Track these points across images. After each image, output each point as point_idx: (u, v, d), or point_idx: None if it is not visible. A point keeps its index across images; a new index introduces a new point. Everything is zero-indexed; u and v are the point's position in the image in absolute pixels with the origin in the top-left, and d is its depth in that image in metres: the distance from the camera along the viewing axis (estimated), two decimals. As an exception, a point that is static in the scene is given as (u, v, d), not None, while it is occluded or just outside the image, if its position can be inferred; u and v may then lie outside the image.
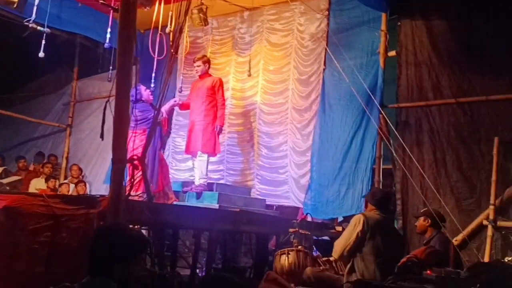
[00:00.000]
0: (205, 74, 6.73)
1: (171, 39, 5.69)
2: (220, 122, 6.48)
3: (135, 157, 3.43)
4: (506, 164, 5.65)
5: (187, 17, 6.90)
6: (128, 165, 3.84)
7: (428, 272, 2.14)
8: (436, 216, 4.67)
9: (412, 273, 2.56)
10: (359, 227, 3.81)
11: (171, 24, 5.96)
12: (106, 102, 3.42)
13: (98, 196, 3.68)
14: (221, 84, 6.65)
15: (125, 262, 2.28)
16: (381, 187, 6.52)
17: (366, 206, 4.12)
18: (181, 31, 3.85)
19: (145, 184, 3.59)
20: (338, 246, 3.83)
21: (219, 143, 6.74)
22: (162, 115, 6.05)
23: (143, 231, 4.30)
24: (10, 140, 10.01)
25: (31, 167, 9.05)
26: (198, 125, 6.55)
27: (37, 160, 9.20)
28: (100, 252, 2.27)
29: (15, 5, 6.31)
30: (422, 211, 4.95)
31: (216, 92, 6.57)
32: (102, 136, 3.70)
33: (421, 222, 4.71)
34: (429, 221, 4.62)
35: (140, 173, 5.63)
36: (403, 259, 3.31)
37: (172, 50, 3.87)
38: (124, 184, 3.44)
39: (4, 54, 8.79)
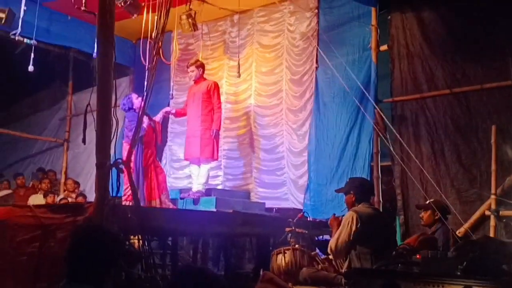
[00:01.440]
0: (199, 79, 6.65)
1: (157, 45, 5.63)
2: (216, 126, 6.40)
3: (119, 161, 3.37)
4: (505, 153, 5.55)
5: (177, 24, 6.99)
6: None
7: (418, 256, 2.07)
8: (442, 208, 4.57)
9: (403, 259, 2.47)
10: (353, 226, 3.70)
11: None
12: (87, 106, 3.36)
13: (85, 203, 3.62)
14: (216, 87, 6.57)
15: (104, 267, 2.20)
16: (380, 184, 6.44)
17: (350, 202, 3.97)
18: (163, 32, 3.78)
19: (132, 188, 3.52)
20: (333, 245, 3.73)
21: (218, 148, 6.66)
22: (145, 129, 5.97)
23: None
24: (9, 158, 10.00)
25: (30, 184, 9.01)
26: (196, 131, 6.47)
27: (36, 176, 9.16)
28: (79, 258, 2.19)
29: (3, 21, 6.31)
30: (428, 202, 4.80)
31: (211, 95, 6.50)
32: (84, 141, 3.65)
33: (428, 214, 4.57)
34: (438, 214, 4.48)
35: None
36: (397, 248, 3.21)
37: (154, 54, 3.78)
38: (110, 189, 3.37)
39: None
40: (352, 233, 3.61)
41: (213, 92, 6.47)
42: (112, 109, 3.29)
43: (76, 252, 2.22)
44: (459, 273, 1.62)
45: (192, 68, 6.60)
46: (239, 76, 7.08)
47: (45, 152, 9.74)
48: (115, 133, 3.23)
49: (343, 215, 3.97)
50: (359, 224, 3.62)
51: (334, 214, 4.21)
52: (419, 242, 3.28)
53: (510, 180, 5.47)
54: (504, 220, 5.35)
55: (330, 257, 4.31)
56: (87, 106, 3.36)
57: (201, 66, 6.63)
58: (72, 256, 2.22)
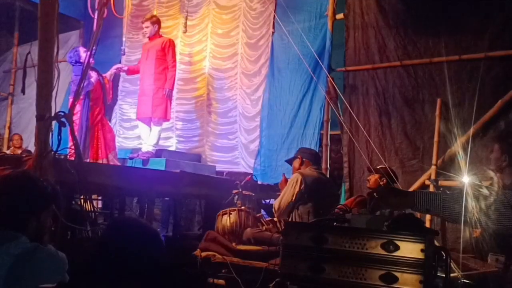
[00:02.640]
0: (155, 36, 6.43)
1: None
2: (169, 85, 6.24)
3: (60, 113, 3.26)
4: (447, 126, 5.77)
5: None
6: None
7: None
8: (390, 175, 4.72)
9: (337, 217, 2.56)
10: (297, 187, 3.80)
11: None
12: (27, 54, 3.21)
13: (24, 155, 3.50)
14: (171, 44, 6.37)
15: (34, 215, 2.14)
16: (329, 152, 6.58)
17: (297, 166, 4.07)
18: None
19: (74, 142, 3.43)
20: (276, 205, 3.81)
21: (170, 108, 6.55)
22: (93, 84, 5.80)
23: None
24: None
25: (-29, 138, 8.64)
26: (148, 90, 6.32)
27: (-23, 130, 8.77)
28: (7, 205, 2.12)
29: None
30: (379, 167, 4.95)
31: (166, 53, 6.30)
32: (23, 91, 3.51)
33: (375, 178, 4.71)
34: (385, 180, 4.63)
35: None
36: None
37: (97, 7, 3.63)
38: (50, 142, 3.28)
39: None
40: (295, 193, 3.70)
41: (168, 49, 6.28)
42: (54, 58, 3.16)
43: (2, 197, 2.15)
44: (384, 228, 1.69)
45: (147, 23, 6.39)
46: (185, 31, 6.93)
47: (-12, 105, 9.30)
48: (56, 84, 3.11)
49: None
50: (302, 185, 3.71)
51: (284, 174, 4.30)
52: (356, 203, 3.40)
53: (450, 152, 5.71)
54: (441, 189, 5.60)
55: (275, 219, 4.41)
56: (27, 54, 3.21)
57: (156, 22, 6.43)
58: (2, 205, 2.15)
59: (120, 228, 1.72)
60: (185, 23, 6.89)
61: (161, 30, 6.79)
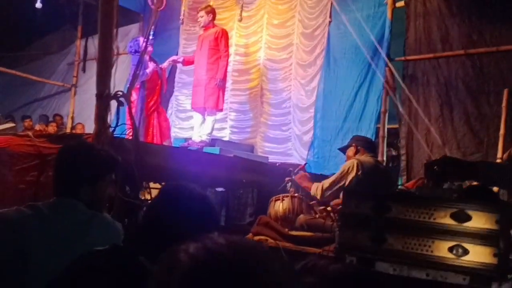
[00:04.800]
0: (209, 25, 6.46)
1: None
2: (221, 75, 6.24)
3: (119, 92, 3.32)
4: (515, 118, 5.44)
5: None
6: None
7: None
8: None
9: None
10: (353, 173, 3.68)
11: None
12: (87, 38, 3.28)
13: (83, 134, 3.59)
14: (224, 34, 6.38)
15: (92, 183, 2.15)
16: (385, 144, 6.37)
17: (352, 154, 3.95)
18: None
19: (132, 122, 3.49)
20: (325, 187, 3.71)
21: (223, 98, 6.56)
22: (147, 74, 5.89)
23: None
24: (17, 101, 10.00)
25: (37, 127, 9.04)
26: (202, 80, 6.36)
27: (42, 119, 9.18)
28: (65, 173, 2.15)
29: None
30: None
31: (219, 43, 6.32)
32: (83, 69, 3.60)
33: None
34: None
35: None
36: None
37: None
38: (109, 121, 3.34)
39: (8, 14, 8.70)
40: (351, 179, 3.58)
41: (221, 39, 6.29)
42: (114, 39, 3.22)
43: (60, 166, 2.18)
44: (453, 197, 1.57)
45: (202, 13, 6.44)
46: (240, 20, 6.91)
47: (52, 96, 9.72)
48: (116, 62, 3.17)
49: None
50: (359, 172, 3.58)
51: (304, 168, 4.24)
52: (417, 185, 3.24)
53: (517, 145, 5.37)
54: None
55: (328, 208, 4.30)
56: (87, 38, 3.29)
57: (211, 12, 6.46)
58: (57, 171, 2.19)
59: (171, 194, 1.68)
60: (241, 12, 6.88)
61: (217, 22, 6.84)
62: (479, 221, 1.45)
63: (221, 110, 6.63)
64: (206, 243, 0.64)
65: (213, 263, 0.61)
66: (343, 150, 4.30)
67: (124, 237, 2.21)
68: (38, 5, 6.09)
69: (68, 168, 2.15)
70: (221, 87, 6.35)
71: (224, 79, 6.37)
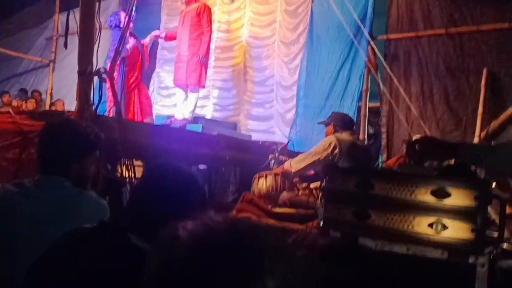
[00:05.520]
0: (191, 1, 6.35)
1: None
2: (203, 51, 6.17)
3: (102, 69, 3.28)
4: (493, 96, 5.54)
5: None
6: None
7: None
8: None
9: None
10: (330, 149, 3.74)
11: None
12: (69, 11, 3.23)
13: (65, 111, 3.56)
14: (206, 9, 6.27)
15: (78, 161, 2.15)
16: (367, 123, 6.45)
17: (330, 131, 4.00)
18: None
19: (114, 98, 3.46)
20: (301, 161, 3.77)
21: (205, 75, 6.51)
22: (128, 50, 5.81)
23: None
24: (-7, 76, 9.77)
25: (14, 103, 8.87)
26: (184, 56, 6.29)
27: (20, 96, 9.01)
28: (51, 150, 2.13)
29: None
30: (415, 137, 4.85)
31: (201, 18, 6.22)
32: (65, 45, 3.55)
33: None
34: None
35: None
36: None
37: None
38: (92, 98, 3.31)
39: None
40: (326, 155, 3.64)
41: (203, 15, 6.19)
42: (96, 14, 3.17)
43: (45, 143, 2.17)
44: (434, 174, 1.62)
45: None
46: (232, 1, 6.84)
47: (30, 72, 9.51)
48: (98, 38, 3.12)
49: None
50: (337, 149, 3.64)
51: (286, 146, 4.30)
52: (399, 163, 3.31)
53: (495, 124, 5.50)
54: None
55: (311, 185, 4.37)
56: (68, 12, 3.23)
57: None
58: (42, 148, 2.18)
59: (158, 172, 1.65)
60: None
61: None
62: (458, 198, 1.51)
63: (204, 86, 6.59)
64: (205, 221, 0.67)
65: (212, 240, 0.64)
66: (323, 123, 4.36)
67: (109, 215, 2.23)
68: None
69: (53, 146, 2.14)
70: (204, 63, 6.29)
71: (206, 55, 6.31)
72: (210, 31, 6.35)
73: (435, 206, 1.52)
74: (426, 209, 1.53)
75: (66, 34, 3.43)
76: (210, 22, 6.33)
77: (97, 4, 3.14)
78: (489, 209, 1.62)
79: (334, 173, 1.66)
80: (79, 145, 2.14)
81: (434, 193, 1.51)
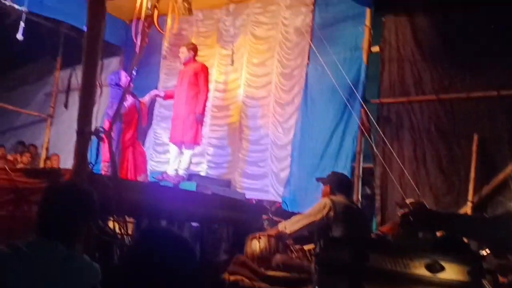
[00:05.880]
0: (189, 61, 6.49)
1: (146, 25, 5.54)
2: (199, 109, 6.26)
3: (100, 128, 3.34)
4: (484, 161, 5.63)
5: (171, 7, 6.96)
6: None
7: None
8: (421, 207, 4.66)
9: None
10: (324, 211, 3.75)
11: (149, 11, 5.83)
12: (71, 72, 3.32)
13: (61, 169, 3.58)
14: (203, 69, 6.42)
15: (76, 225, 2.18)
16: (360, 184, 6.48)
17: (326, 193, 4.01)
18: (154, 10, 3.74)
19: (111, 157, 3.49)
20: (295, 223, 3.76)
21: (201, 133, 6.57)
22: (125, 108, 5.92)
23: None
24: (-10, 129, 9.85)
25: (10, 156, 8.87)
26: (180, 114, 6.35)
27: (16, 149, 9.03)
28: (52, 215, 2.16)
29: (-5, -11, 6.20)
30: (408, 201, 4.91)
31: (198, 78, 6.35)
32: (66, 105, 3.63)
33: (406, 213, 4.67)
34: None
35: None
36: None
37: (145, 27, 3.75)
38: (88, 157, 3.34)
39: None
40: (320, 217, 3.65)
41: (200, 74, 6.32)
42: (98, 77, 3.26)
43: (48, 207, 2.20)
44: (428, 247, 1.64)
45: (183, 49, 6.49)
46: (232, 64, 7.04)
47: (28, 126, 9.60)
48: (98, 101, 3.19)
49: None
50: (331, 212, 3.65)
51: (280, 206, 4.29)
52: (392, 229, 3.31)
53: (487, 189, 5.55)
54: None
55: (305, 247, 4.33)
56: (70, 75, 3.33)
57: (192, 49, 6.52)
58: (44, 211, 2.20)
59: (151, 238, 1.63)
60: (232, 56, 7.00)
61: (197, 58, 6.92)
62: (451, 272, 1.52)
63: (199, 144, 6.64)
64: None
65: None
66: (320, 180, 4.37)
67: (101, 277, 2.22)
68: (20, 37, 6.09)
69: (56, 212, 2.18)
70: (200, 121, 6.36)
71: (202, 113, 6.39)
72: (207, 91, 6.47)
73: (430, 280, 1.53)
74: (421, 283, 1.54)
75: (67, 95, 3.51)
76: (207, 81, 6.47)
77: (99, 68, 3.24)
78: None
79: (328, 243, 1.67)
80: (81, 213, 2.20)
81: (428, 267, 1.53)
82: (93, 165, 3.30)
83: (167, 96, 6.87)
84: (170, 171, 6.35)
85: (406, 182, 5.98)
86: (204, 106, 6.41)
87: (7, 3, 5.82)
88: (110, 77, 6.16)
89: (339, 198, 3.85)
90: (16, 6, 5.93)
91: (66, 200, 2.19)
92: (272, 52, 7.33)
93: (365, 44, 6.52)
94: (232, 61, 7.04)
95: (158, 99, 7.51)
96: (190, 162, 6.51)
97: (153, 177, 6.39)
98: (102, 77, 7.10)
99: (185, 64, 6.58)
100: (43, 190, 3.52)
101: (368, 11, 6.54)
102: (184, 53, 6.48)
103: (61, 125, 9.20)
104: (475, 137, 5.67)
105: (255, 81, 7.47)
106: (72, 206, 2.16)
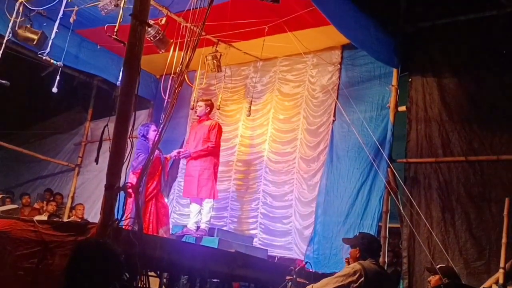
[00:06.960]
0: (204, 117, 6.50)
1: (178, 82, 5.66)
2: (195, 154, 6.21)
3: (129, 184, 3.37)
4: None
5: (202, 64, 7.18)
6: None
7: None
8: (453, 275, 4.51)
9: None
10: (355, 277, 3.61)
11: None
12: (105, 126, 3.40)
13: (88, 223, 3.59)
14: (216, 126, 6.39)
15: (105, 283, 2.19)
16: (387, 245, 6.29)
17: (355, 256, 3.88)
18: (188, 64, 3.85)
19: (137, 213, 3.50)
20: (324, 286, 3.61)
21: (216, 188, 6.47)
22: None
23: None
24: (21, 177, 10.07)
25: (36, 205, 9.00)
26: (194, 170, 6.28)
27: (42, 197, 9.17)
28: (80, 274, 2.18)
29: (34, 42, 6.51)
30: (438, 266, 4.73)
31: (210, 134, 6.30)
32: (97, 160, 3.68)
33: (436, 279, 4.52)
34: (446, 280, 4.40)
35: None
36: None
37: (177, 87, 3.84)
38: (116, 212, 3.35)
39: (22, 92, 9.02)
40: (349, 281, 3.52)
41: (213, 130, 6.31)
42: (129, 134, 3.32)
43: (77, 265, 2.20)
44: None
45: (201, 103, 6.49)
46: (249, 115, 7.11)
47: (56, 175, 9.80)
48: (129, 157, 3.24)
49: None
50: (362, 278, 3.52)
51: (304, 266, 4.17)
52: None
53: (520, 255, 5.33)
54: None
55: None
56: (105, 126, 3.41)
57: (209, 106, 6.52)
58: (73, 269, 2.20)
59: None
60: (249, 107, 7.11)
61: (225, 113, 7.05)
62: None
63: (216, 199, 6.53)
64: None
65: None
66: (347, 242, 4.22)
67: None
68: (54, 89, 6.32)
69: (84, 272, 2.19)
70: (215, 177, 6.27)
71: (215, 168, 6.30)
72: (217, 145, 6.38)
73: None
74: None
75: (98, 150, 3.57)
76: (219, 138, 6.41)
77: (131, 124, 3.31)
78: None
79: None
80: (108, 271, 2.20)
81: None
82: (119, 220, 3.31)
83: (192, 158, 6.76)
84: (191, 225, 6.30)
85: (434, 245, 5.79)
86: (217, 160, 6.38)
87: (44, 57, 6.06)
88: (140, 128, 6.26)
89: (369, 263, 3.73)
90: (53, 61, 6.18)
91: (94, 262, 2.21)
92: (298, 108, 7.41)
93: (392, 104, 6.53)
94: (249, 112, 7.09)
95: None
96: (210, 216, 6.40)
97: (173, 233, 6.33)
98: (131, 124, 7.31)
99: (199, 120, 6.56)
100: (69, 243, 3.55)
101: (395, 71, 6.60)
102: (201, 107, 6.48)
103: (88, 174, 9.38)
104: (507, 201, 5.48)
105: (280, 137, 7.52)
106: (101, 268, 2.18)
